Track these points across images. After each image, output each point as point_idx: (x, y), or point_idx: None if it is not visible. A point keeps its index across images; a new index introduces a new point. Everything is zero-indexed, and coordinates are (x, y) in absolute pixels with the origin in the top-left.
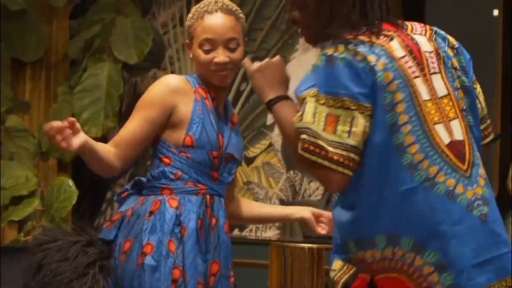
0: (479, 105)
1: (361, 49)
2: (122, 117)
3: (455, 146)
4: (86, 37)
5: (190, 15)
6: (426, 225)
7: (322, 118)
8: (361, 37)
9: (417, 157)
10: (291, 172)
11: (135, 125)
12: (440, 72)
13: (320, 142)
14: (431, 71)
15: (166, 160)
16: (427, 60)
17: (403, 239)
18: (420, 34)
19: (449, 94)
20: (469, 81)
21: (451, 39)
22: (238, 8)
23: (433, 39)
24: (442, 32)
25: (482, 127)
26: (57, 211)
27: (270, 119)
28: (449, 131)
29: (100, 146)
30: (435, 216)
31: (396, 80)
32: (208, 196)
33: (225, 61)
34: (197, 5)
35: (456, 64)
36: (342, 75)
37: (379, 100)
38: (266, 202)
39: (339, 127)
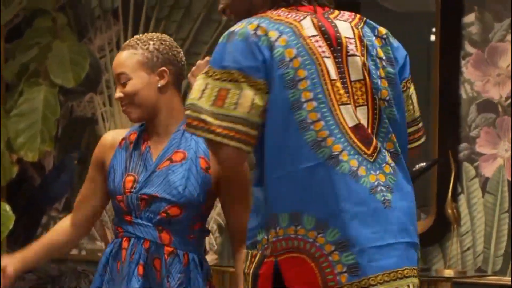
0: (410, 106)
1: (264, 24)
2: (58, 141)
3: (360, 130)
4: (22, 61)
5: None
6: (328, 203)
7: (214, 93)
8: (271, 14)
9: (322, 134)
10: None
11: (83, 187)
12: (358, 56)
13: (203, 116)
14: (349, 53)
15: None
16: (346, 44)
17: (305, 217)
18: (344, 21)
19: (364, 79)
20: (395, 74)
21: (380, 29)
22: (148, 40)
23: (359, 27)
24: (373, 23)
25: (411, 129)
26: None
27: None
28: (356, 115)
29: (48, 240)
30: (338, 194)
31: (299, 57)
32: (124, 239)
33: (119, 96)
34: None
35: (381, 54)
36: (235, 50)
37: (275, 75)
38: None
39: (227, 100)
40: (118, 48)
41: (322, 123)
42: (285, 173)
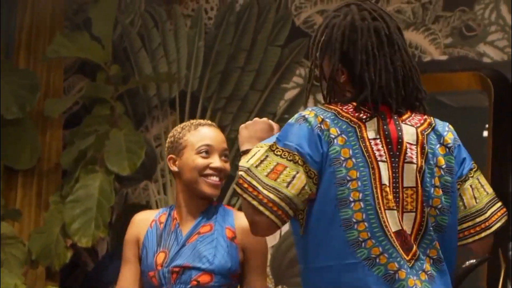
0: (460, 203)
1: (329, 120)
2: (112, 228)
3: (401, 236)
4: (80, 148)
5: (177, 130)
6: None
7: (271, 165)
8: (340, 108)
9: (363, 235)
10: (279, 287)
11: (123, 271)
12: (415, 164)
13: (255, 183)
14: (406, 160)
15: None
16: (405, 150)
17: None
18: (412, 125)
19: (416, 187)
20: (452, 182)
21: (447, 137)
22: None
23: (425, 133)
24: (443, 130)
25: (463, 226)
26: None
27: None
28: (400, 221)
29: None
30: None
31: (354, 158)
32: None
33: (222, 167)
34: (182, 124)
35: (442, 162)
36: (302, 134)
37: (328, 171)
38: None
39: (281, 177)
40: None
41: (366, 224)
42: (324, 265)
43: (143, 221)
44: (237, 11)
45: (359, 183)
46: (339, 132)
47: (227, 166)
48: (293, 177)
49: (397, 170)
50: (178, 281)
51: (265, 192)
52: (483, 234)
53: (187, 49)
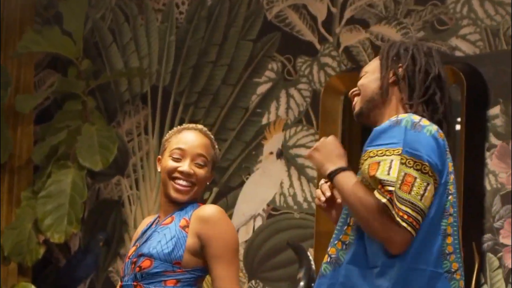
0: None
1: (441, 131)
2: (85, 223)
3: None
4: (52, 143)
5: (169, 132)
6: None
7: (401, 176)
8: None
9: (449, 249)
10: (253, 281)
11: None
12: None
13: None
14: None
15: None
16: None
17: None
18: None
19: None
20: None
21: None
22: (212, 138)
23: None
24: None
25: None
26: None
27: None
28: None
29: None
30: None
31: (452, 174)
32: None
33: (189, 172)
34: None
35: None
36: (427, 143)
37: (443, 181)
38: None
39: (415, 189)
40: (146, 132)
41: (452, 239)
42: (421, 268)
43: (144, 223)
44: (208, 5)
45: (453, 199)
46: (447, 146)
47: (199, 171)
48: (425, 189)
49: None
50: (133, 270)
51: (403, 207)
52: None
53: (159, 44)
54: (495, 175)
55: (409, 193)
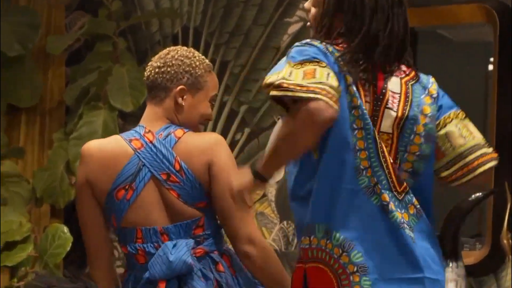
0: (448, 144)
1: (331, 48)
2: None
3: (397, 170)
4: (83, 85)
5: (195, 63)
6: (358, 227)
7: (300, 74)
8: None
9: (364, 164)
10: (285, 222)
11: None
12: (396, 112)
13: (300, 82)
14: (388, 105)
15: None
16: (388, 97)
17: (334, 233)
18: (397, 76)
19: (392, 133)
20: (434, 129)
21: (432, 88)
22: None
23: (409, 83)
24: (427, 81)
25: (455, 167)
26: (51, 257)
27: None
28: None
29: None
30: (368, 222)
31: (353, 86)
32: None
33: (212, 119)
34: (196, 56)
35: (428, 111)
36: (313, 51)
37: (342, 96)
38: None
39: (317, 75)
40: None
41: (366, 153)
42: (331, 187)
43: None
44: None
45: (360, 112)
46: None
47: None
48: (328, 75)
49: (377, 114)
50: None
51: (311, 85)
52: (477, 171)
53: None
54: None
55: (314, 77)
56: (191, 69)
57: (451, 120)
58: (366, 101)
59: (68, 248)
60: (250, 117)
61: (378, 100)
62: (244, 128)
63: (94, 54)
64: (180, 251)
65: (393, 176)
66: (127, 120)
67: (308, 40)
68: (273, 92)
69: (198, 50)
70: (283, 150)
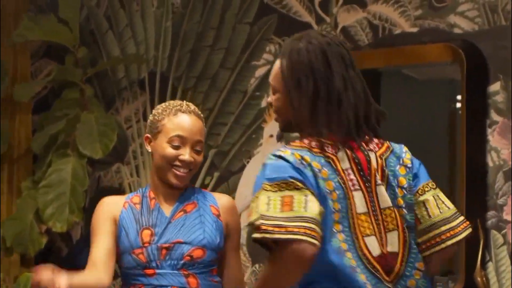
0: (424, 212)
1: (307, 156)
2: (86, 212)
3: (384, 258)
4: (51, 132)
5: (158, 110)
6: None
7: (278, 202)
8: (310, 146)
9: (353, 262)
10: (256, 265)
11: (102, 243)
12: (383, 186)
13: (277, 222)
14: (377, 183)
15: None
16: (374, 173)
17: None
18: (371, 150)
19: (392, 206)
20: (412, 198)
21: (406, 158)
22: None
23: (383, 157)
24: (400, 151)
25: (429, 235)
26: None
27: None
28: (383, 243)
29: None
30: None
31: (337, 190)
32: None
33: (190, 160)
34: (166, 103)
35: (404, 182)
36: (287, 168)
37: (327, 202)
38: None
39: (295, 205)
40: (145, 118)
41: (351, 253)
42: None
43: (114, 203)
44: None
45: (340, 216)
46: (320, 166)
47: (198, 158)
48: (306, 202)
49: (372, 194)
50: (169, 257)
51: (291, 224)
52: (449, 242)
53: (155, 29)
54: (497, 152)
55: (292, 210)
56: (151, 117)
57: (429, 190)
58: (354, 190)
59: None
60: (219, 161)
61: (369, 182)
62: (213, 172)
63: (62, 101)
64: None
65: (378, 267)
66: (96, 167)
67: (281, 152)
68: (255, 235)
69: (165, 95)
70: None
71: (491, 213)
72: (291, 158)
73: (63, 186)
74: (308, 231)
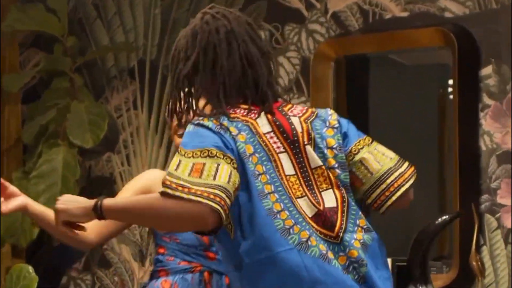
0: (365, 171)
1: (224, 121)
2: None
3: (321, 217)
4: (41, 122)
5: None
6: (305, 285)
7: (188, 167)
8: (227, 112)
9: (288, 223)
10: None
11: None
12: (311, 147)
13: (182, 182)
14: (305, 143)
15: (161, 250)
16: (300, 136)
17: None
18: (295, 115)
19: (322, 166)
20: (344, 157)
21: (332, 119)
22: None
23: (308, 121)
24: (326, 114)
25: (377, 192)
26: None
27: None
28: (316, 203)
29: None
30: (313, 276)
31: (257, 153)
32: (206, 273)
33: None
34: None
35: (333, 142)
36: (206, 135)
37: (245, 166)
38: None
39: (204, 173)
40: (135, 107)
41: (287, 212)
42: (263, 257)
43: (160, 176)
44: None
45: (268, 177)
46: (237, 131)
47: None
48: (216, 170)
49: (301, 155)
50: None
51: (195, 187)
52: (398, 193)
53: (144, 17)
54: (490, 135)
55: (200, 177)
56: None
57: (362, 147)
58: (279, 152)
59: None
60: None
61: (295, 143)
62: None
63: (51, 91)
64: None
65: (317, 227)
66: (86, 156)
67: (200, 121)
68: (166, 188)
69: (155, 83)
70: (141, 216)
71: (484, 197)
72: (210, 124)
73: (54, 176)
74: (211, 196)
